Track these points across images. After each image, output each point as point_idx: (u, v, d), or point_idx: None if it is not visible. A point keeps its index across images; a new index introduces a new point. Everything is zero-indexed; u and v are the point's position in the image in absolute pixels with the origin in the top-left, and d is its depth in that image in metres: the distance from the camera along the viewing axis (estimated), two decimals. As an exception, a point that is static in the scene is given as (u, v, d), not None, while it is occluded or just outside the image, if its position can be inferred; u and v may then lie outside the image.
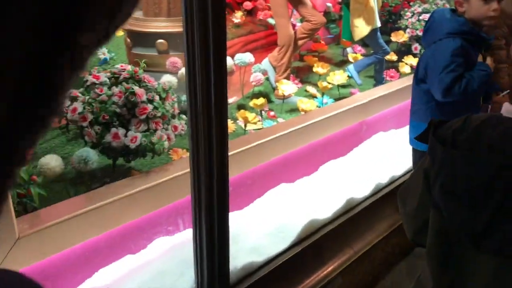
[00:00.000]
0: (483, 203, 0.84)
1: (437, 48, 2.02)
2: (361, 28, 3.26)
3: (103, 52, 3.04)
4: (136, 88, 1.96)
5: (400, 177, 2.73)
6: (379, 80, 3.53)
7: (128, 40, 2.76)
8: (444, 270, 0.95)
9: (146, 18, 2.73)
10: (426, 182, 0.97)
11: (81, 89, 2.09)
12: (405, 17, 4.04)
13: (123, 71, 2.09)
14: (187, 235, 1.97)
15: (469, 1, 1.97)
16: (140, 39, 2.71)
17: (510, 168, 0.83)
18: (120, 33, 3.33)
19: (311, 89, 3.34)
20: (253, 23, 4.58)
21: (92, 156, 1.87)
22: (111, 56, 3.13)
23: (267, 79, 3.36)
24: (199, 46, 1.48)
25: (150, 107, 1.98)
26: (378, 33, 3.33)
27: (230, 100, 3.27)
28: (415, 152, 2.24)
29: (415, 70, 2.19)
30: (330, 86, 3.09)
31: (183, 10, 1.46)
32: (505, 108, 1.02)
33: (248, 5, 4.56)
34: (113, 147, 1.93)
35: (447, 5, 4.02)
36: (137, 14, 2.81)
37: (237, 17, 4.31)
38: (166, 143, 2.00)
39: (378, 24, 3.29)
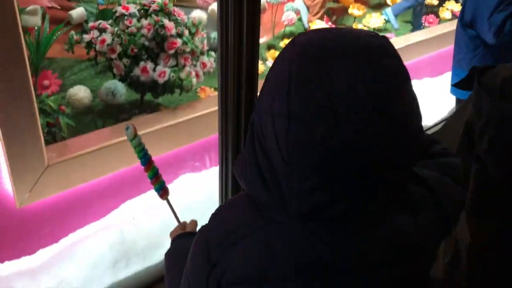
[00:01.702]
0: None
1: None
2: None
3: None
4: (165, 21, 1.91)
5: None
6: (417, 26, 3.37)
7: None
8: (485, 224, 0.91)
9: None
10: (467, 135, 0.89)
11: (110, 21, 2.04)
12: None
13: (153, 3, 2.02)
14: (213, 172, 1.97)
15: None
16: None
17: None
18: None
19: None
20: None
21: (120, 89, 1.86)
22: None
23: (300, 19, 3.24)
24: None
25: (179, 41, 1.93)
26: (420, -26, 3.15)
27: (261, 40, 3.18)
28: (459, 102, 2.17)
29: (460, 14, 2.06)
30: (366, 29, 2.95)
31: None
32: None
33: None
34: (141, 81, 1.91)
35: None
36: None
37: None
38: (194, 80, 1.97)
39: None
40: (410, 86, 0.58)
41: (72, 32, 2.03)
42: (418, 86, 3.03)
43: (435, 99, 2.91)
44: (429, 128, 2.63)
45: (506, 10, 1.85)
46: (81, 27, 2.32)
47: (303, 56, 0.56)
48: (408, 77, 0.58)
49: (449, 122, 1.03)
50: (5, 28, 1.33)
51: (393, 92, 0.54)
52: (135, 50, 1.87)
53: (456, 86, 0.97)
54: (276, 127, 0.55)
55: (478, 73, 0.88)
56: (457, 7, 3.56)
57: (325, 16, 3.38)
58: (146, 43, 1.89)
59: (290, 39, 0.62)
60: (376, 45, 0.56)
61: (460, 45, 2.11)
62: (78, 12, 2.07)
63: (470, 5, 1.99)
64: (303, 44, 0.58)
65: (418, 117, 0.58)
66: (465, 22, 2.04)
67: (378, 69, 0.53)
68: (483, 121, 0.84)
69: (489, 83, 0.85)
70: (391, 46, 0.58)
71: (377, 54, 0.54)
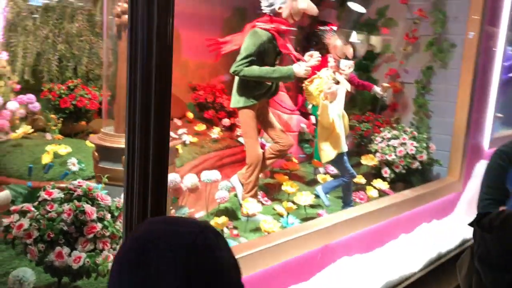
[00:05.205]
0: (507, 269, 1.27)
1: None
2: (327, 152, 3.36)
3: (72, 163, 3.08)
4: (86, 207, 1.96)
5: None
6: (347, 203, 3.56)
7: (96, 154, 2.81)
8: None
9: (115, 134, 2.81)
10: (471, 256, 1.42)
11: (36, 203, 2.08)
12: (375, 142, 4.19)
13: (79, 187, 2.10)
14: None
15: None
16: (107, 153, 2.76)
17: None
18: (91, 144, 3.40)
19: (278, 208, 3.35)
20: (230, 138, 4.73)
21: (29, 277, 1.81)
22: (81, 167, 3.16)
23: (236, 195, 3.39)
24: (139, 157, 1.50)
25: (99, 226, 1.96)
26: (345, 157, 3.43)
27: (197, 215, 3.26)
28: None
29: None
30: (294, 207, 3.10)
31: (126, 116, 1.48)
32: None
33: (226, 122, 4.75)
34: (55, 266, 1.88)
35: (415, 132, 4.21)
36: (108, 129, 2.90)
37: (215, 132, 4.46)
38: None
39: (345, 149, 3.39)
40: None
41: (-8, 216, 2.05)
42: (350, 263, 3.08)
43: (369, 276, 2.95)
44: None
45: None
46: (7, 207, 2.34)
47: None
48: None
49: (467, 249, 1.54)
50: None
51: None
52: (52, 235, 1.88)
53: (470, 225, 1.47)
54: None
55: (479, 217, 1.42)
56: (384, 185, 3.83)
57: (261, 192, 3.57)
58: (65, 228, 1.91)
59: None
60: None
61: None
62: (2, 195, 2.11)
63: None
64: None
65: None
66: None
67: None
68: (476, 245, 1.38)
69: (483, 222, 1.38)
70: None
71: None
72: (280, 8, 3.08)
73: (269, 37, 3.06)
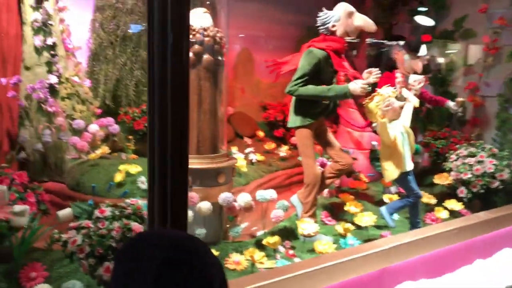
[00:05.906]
0: None
1: None
2: (391, 171, 3.24)
3: (142, 181, 3.29)
4: (133, 224, 2.09)
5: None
6: (414, 224, 3.39)
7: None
8: None
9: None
10: None
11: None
12: (450, 160, 3.96)
13: (132, 205, 2.25)
14: None
15: None
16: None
17: None
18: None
19: (339, 229, 3.29)
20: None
21: (77, 289, 1.97)
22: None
23: (296, 214, 3.39)
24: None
25: (144, 243, 2.08)
26: (409, 177, 3.27)
27: (259, 233, 3.31)
28: None
29: None
30: (353, 227, 3.02)
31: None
32: None
33: (294, 140, 4.77)
34: (104, 280, 2.03)
35: (495, 150, 3.90)
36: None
37: (283, 151, 4.50)
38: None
39: (408, 168, 3.25)
40: None
41: (56, 230, 2.26)
42: (412, 287, 2.93)
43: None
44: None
45: None
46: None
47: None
48: None
49: None
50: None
51: None
52: (101, 251, 2.03)
53: None
54: None
55: None
56: (459, 206, 3.59)
57: (324, 211, 3.53)
58: (114, 244, 2.06)
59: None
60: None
61: None
62: (65, 213, 2.33)
63: None
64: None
65: None
66: None
67: None
68: None
69: None
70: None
71: None
72: (333, 26, 3.07)
73: (324, 56, 3.06)
